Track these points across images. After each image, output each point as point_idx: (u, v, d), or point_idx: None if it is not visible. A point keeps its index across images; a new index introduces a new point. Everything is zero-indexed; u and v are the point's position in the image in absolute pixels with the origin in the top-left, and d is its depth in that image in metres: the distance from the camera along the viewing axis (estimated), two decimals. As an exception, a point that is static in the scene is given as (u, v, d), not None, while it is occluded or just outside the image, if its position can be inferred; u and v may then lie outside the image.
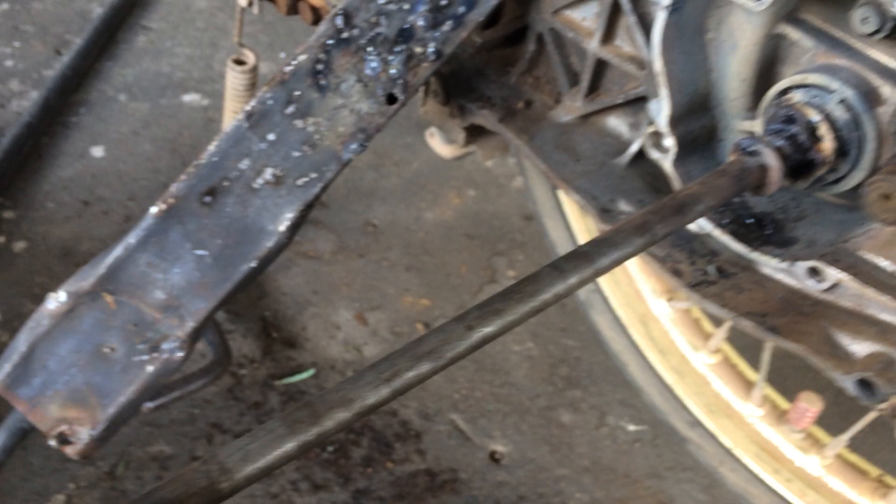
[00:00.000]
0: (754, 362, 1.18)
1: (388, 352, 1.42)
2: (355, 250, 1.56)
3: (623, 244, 0.71)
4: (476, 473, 1.27)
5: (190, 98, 1.82)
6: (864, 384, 0.74)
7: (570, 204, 1.23)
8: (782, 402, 1.15)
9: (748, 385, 1.16)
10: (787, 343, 0.78)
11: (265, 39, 1.96)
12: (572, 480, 1.27)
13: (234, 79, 1.27)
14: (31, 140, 1.66)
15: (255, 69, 1.27)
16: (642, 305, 1.21)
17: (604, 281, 1.23)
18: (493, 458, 1.29)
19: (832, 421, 1.15)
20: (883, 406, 0.74)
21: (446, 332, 0.66)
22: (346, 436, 1.29)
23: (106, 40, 1.90)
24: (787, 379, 1.20)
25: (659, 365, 1.21)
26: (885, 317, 0.76)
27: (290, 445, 0.61)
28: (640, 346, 1.22)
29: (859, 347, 0.77)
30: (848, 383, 0.74)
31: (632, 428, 1.34)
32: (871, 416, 1.05)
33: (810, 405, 1.08)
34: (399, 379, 0.64)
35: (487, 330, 0.67)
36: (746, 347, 1.23)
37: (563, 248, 1.29)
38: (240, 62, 1.26)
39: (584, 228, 1.24)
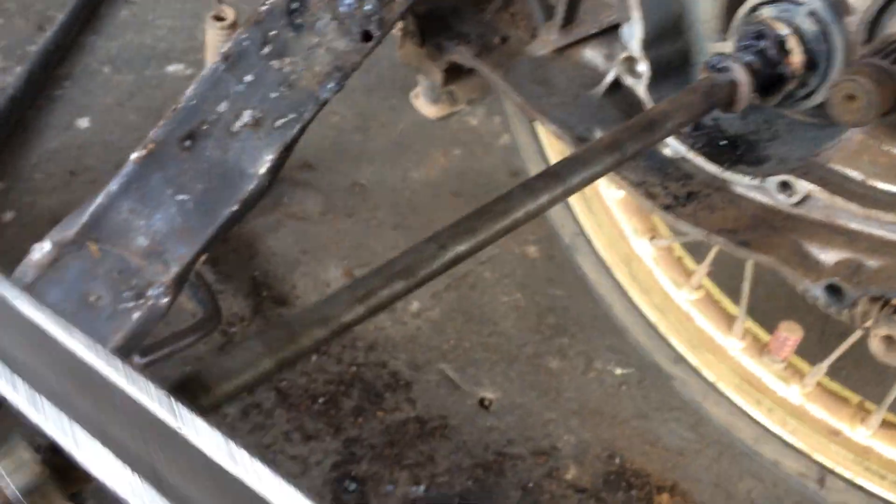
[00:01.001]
0: (735, 297, 1.20)
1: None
2: (343, 210, 1.57)
3: (593, 162, 0.72)
4: (465, 420, 1.28)
5: (174, 68, 1.83)
6: (833, 290, 0.75)
7: (553, 148, 1.24)
8: (763, 335, 1.17)
9: (729, 319, 1.18)
10: (758, 255, 0.79)
11: (245, 8, 1.96)
12: (560, 423, 1.29)
13: (214, 36, 1.28)
14: (16, 113, 1.66)
15: (234, 25, 1.28)
16: (625, 246, 1.22)
17: (587, 223, 1.24)
18: (482, 404, 1.31)
19: (812, 351, 1.16)
20: (851, 312, 0.76)
21: (419, 251, 0.67)
22: (337, 387, 1.31)
23: (88, 14, 1.90)
24: (768, 312, 1.21)
25: (643, 304, 1.22)
26: (854, 225, 0.78)
27: (267, 363, 0.62)
28: (623, 286, 1.23)
29: (828, 256, 0.78)
30: (817, 290, 0.76)
31: (619, 372, 1.36)
32: (849, 343, 1.06)
33: (790, 334, 1.09)
34: (373, 297, 0.65)
35: (460, 248, 0.68)
36: (727, 283, 1.24)
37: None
38: (219, 18, 1.27)
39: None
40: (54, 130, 1.67)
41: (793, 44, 0.78)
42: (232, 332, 1.38)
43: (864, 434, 1.07)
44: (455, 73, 1.07)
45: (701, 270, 1.18)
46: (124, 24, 1.90)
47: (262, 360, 0.59)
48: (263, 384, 1.25)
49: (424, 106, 1.75)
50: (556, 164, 0.69)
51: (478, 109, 1.78)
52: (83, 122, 1.70)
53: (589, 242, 1.25)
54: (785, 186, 0.81)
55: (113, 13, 1.94)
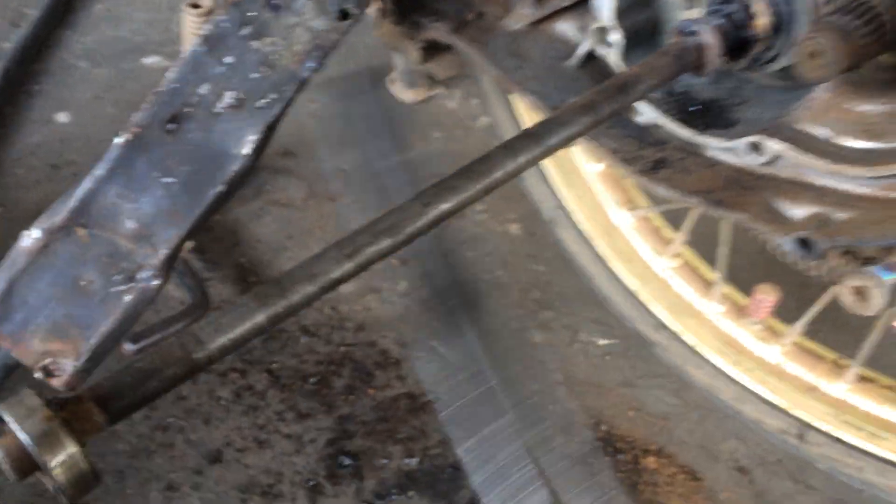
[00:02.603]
0: (714, 264, 1.23)
1: (363, 288, 1.46)
2: (326, 196, 1.59)
3: (570, 123, 0.74)
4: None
5: (151, 61, 1.83)
6: (803, 243, 0.78)
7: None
8: (741, 299, 1.20)
9: (708, 284, 1.21)
10: (732, 213, 0.82)
11: None
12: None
13: (190, 23, 1.29)
14: (-7, 110, 1.66)
15: (210, 12, 1.29)
16: (605, 217, 1.25)
17: (567, 197, 1.27)
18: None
19: (791, 315, 1.20)
20: (823, 266, 0.79)
21: (404, 210, 0.69)
22: (327, 367, 1.33)
23: (63, 10, 1.90)
24: (747, 279, 1.25)
25: (624, 273, 1.25)
26: (822, 181, 0.81)
27: (259, 318, 0.64)
28: (604, 258, 1.26)
29: (798, 211, 0.81)
30: (787, 243, 0.79)
31: (603, 342, 1.39)
32: (824, 300, 1.10)
33: (767, 296, 1.12)
34: (360, 254, 0.67)
35: (444, 206, 0.70)
36: (705, 251, 1.28)
37: (531, 177, 1.32)
38: (195, 6, 1.28)
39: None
40: (34, 125, 1.67)
41: (759, 7, 0.81)
42: (229, 303, 1.39)
43: (840, 389, 1.10)
44: (432, 51, 1.09)
45: (679, 238, 1.21)
46: (99, 17, 1.90)
47: (254, 314, 0.61)
48: (256, 338, 1.27)
49: (401, 90, 1.77)
50: (533, 126, 0.72)
51: (455, 93, 1.80)
52: (62, 117, 1.70)
53: (569, 216, 1.28)
54: (755, 147, 0.84)
55: (87, 7, 1.93)
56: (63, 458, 0.55)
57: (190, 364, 0.61)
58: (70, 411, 0.58)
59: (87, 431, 0.58)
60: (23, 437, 0.55)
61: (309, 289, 0.65)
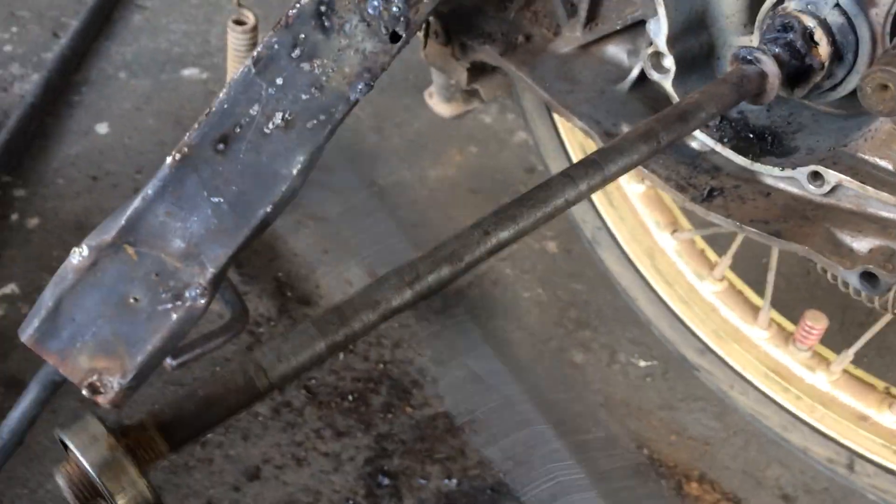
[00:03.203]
0: (757, 289, 1.21)
1: (400, 304, 1.46)
2: (362, 210, 1.59)
3: (629, 151, 0.74)
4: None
5: (189, 72, 1.84)
6: (868, 276, 0.77)
7: (574, 144, 1.26)
8: (788, 324, 1.18)
9: (754, 309, 1.19)
10: (792, 245, 0.81)
11: (259, 13, 1.97)
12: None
13: (234, 39, 1.29)
14: (35, 120, 1.68)
15: (255, 29, 1.29)
16: (648, 239, 1.24)
17: (609, 217, 1.26)
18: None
19: (833, 340, 1.18)
20: (883, 299, 0.77)
21: (464, 238, 0.69)
22: (365, 385, 1.32)
23: (102, 20, 1.92)
24: (792, 301, 1.23)
25: (666, 296, 1.23)
26: (886, 213, 0.79)
27: (320, 346, 0.64)
28: (647, 279, 1.25)
29: (861, 244, 0.79)
30: (852, 277, 0.77)
31: (643, 364, 1.37)
32: (874, 330, 1.08)
33: (815, 323, 1.11)
34: (421, 282, 0.67)
35: (503, 235, 0.70)
36: (749, 275, 1.26)
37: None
38: (240, 22, 1.28)
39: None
40: (74, 136, 1.68)
41: (819, 35, 0.80)
42: (259, 332, 1.40)
43: (891, 419, 1.08)
44: (478, 71, 1.09)
45: (724, 262, 1.19)
46: (138, 29, 1.92)
47: (314, 343, 0.61)
48: (317, 366, 1.27)
49: (438, 105, 1.76)
50: (593, 154, 0.71)
51: (491, 107, 1.80)
52: (102, 128, 1.71)
53: (611, 236, 1.26)
54: (815, 176, 0.82)
55: (126, 18, 1.95)
56: (127, 486, 0.55)
57: (252, 392, 0.61)
58: (133, 438, 0.58)
59: (149, 460, 0.58)
60: (86, 465, 0.55)
61: (369, 317, 0.65)
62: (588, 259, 1.38)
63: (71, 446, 0.56)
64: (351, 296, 0.65)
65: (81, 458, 0.55)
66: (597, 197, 1.26)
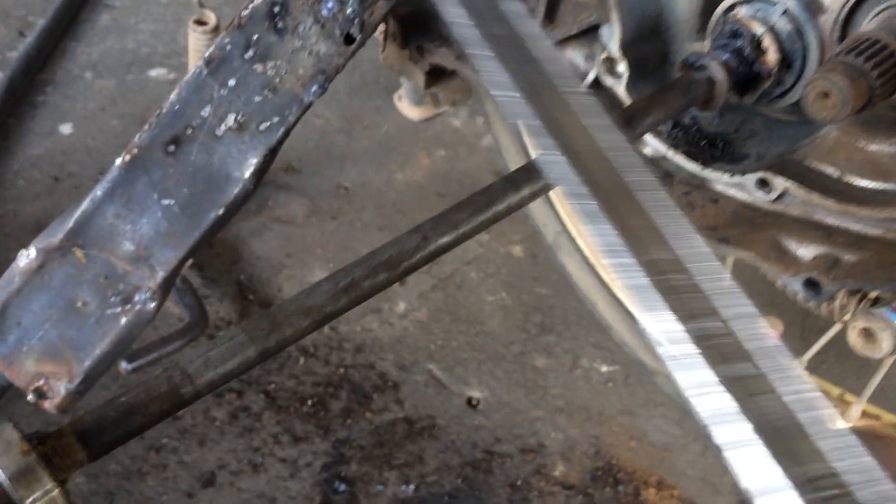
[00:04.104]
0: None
1: (363, 308, 1.44)
2: (328, 213, 1.58)
3: (575, 157, 0.73)
4: (453, 419, 1.29)
5: (156, 73, 1.82)
6: (811, 284, 0.77)
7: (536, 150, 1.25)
8: (747, 330, 1.18)
9: (713, 315, 1.19)
10: (738, 251, 0.81)
11: (229, 12, 1.96)
12: (547, 421, 1.30)
13: (196, 40, 1.28)
14: (-3, 120, 1.66)
15: (216, 29, 1.28)
16: (608, 244, 1.23)
17: (570, 221, 1.26)
18: (470, 404, 1.32)
19: (793, 346, 1.18)
20: (830, 306, 0.77)
21: (401, 243, 0.68)
22: (325, 389, 1.31)
23: (69, 20, 1.89)
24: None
25: (627, 301, 1.23)
26: (831, 220, 0.79)
27: (250, 352, 0.63)
28: (607, 284, 1.24)
29: (806, 251, 0.79)
30: (795, 284, 0.77)
31: (605, 369, 1.37)
32: (828, 336, 1.08)
33: (771, 328, 1.11)
34: (356, 288, 0.66)
35: (443, 240, 0.69)
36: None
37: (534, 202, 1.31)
38: (201, 22, 1.27)
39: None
40: (37, 137, 1.66)
41: (768, 42, 0.80)
42: (219, 335, 1.38)
43: (845, 426, 1.08)
44: (437, 75, 1.08)
45: (683, 267, 1.19)
46: (105, 29, 1.90)
47: (244, 349, 0.60)
48: (246, 373, 1.25)
49: (408, 108, 1.76)
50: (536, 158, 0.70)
51: (461, 111, 1.79)
52: (66, 128, 1.69)
53: (572, 240, 1.26)
54: (763, 183, 0.82)
55: (93, 18, 1.93)
56: (39, 495, 0.54)
57: (177, 399, 0.60)
58: (50, 446, 0.57)
59: (66, 467, 0.57)
60: (-2, 472, 0.53)
61: (302, 322, 0.64)
62: (553, 264, 1.38)
63: (-16, 453, 0.54)
64: (283, 301, 0.64)
65: (-6, 466, 0.53)
66: (557, 201, 1.26)
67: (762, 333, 0.47)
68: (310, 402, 1.29)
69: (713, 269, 0.49)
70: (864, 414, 1.09)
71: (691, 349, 0.45)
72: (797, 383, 0.45)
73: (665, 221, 0.51)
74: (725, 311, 0.48)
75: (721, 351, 0.45)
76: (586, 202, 0.51)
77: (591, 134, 0.53)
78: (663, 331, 0.46)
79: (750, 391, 0.43)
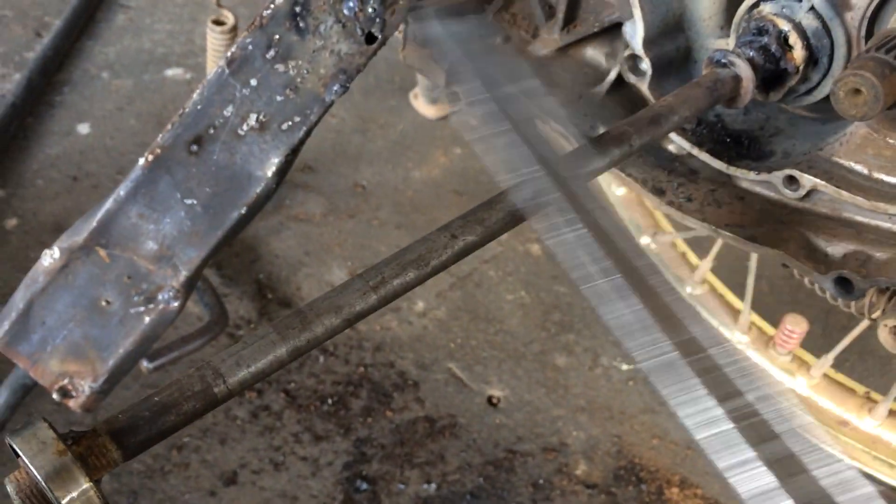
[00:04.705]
0: (739, 292, 1.21)
1: (383, 308, 1.44)
2: (345, 211, 1.58)
3: (602, 154, 0.73)
4: (474, 418, 1.29)
5: (173, 72, 1.83)
6: (842, 281, 0.76)
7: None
8: (768, 328, 1.18)
9: (735, 313, 1.18)
10: (767, 249, 0.80)
11: (244, 13, 1.96)
12: (569, 420, 1.30)
13: (214, 40, 1.28)
14: (16, 120, 1.66)
15: (234, 29, 1.28)
16: (629, 242, 1.23)
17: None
18: (491, 402, 1.32)
19: (816, 344, 1.17)
20: (859, 303, 0.76)
21: (431, 241, 0.67)
22: (345, 388, 1.31)
23: (85, 20, 1.90)
24: (771, 305, 1.22)
25: (648, 299, 1.22)
26: (860, 218, 0.78)
27: (281, 351, 0.62)
28: (628, 283, 1.24)
29: (836, 249, 0.79)
30: (826, 282, 0.76)
31: (625, 367, 1.37)
32: (854, 334, 1.07)
33: (795, 327, 1.10)
34: (385, 287, 0.66)
35: (471, 238, 0.68)
36: (731, 278, 1.25)
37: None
38: (219, 23, 1.27)
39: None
40: (55, 136, 1.67)
41: (794, 39, 0.79)
42: (239, 335, 1.38)
43: (871, 424, 1.08)
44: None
45: (705, 265, 1.18)
46: (122, 29, 1.90)
47: (275, 347, 0.60)
48: (277, 372, 1.26)
49: (423, 106, 1.76)
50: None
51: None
52: (83, 128, 1.70)
53: (593, 239, 1.25)
54: (791, 181, 0.82)
55: (110, 18, 1.94)
56: (75, 495, 0.54)
57: (209, 398, 0.60)
58: (85, 446, 0.57)
59: (101, 467, 0.57)
60: (34, 472, 0.53)
61: (332, 321, 0.64)
62: (571, 262, 1.37)
63: (20, 452, 0.54)
64: (314, 300, 0.64)
65: (30, 465, 0.54)
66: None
67: (789, 412, 0.47)
68: (330, 401, 1.29)
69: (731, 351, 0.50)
70: (892, 412, 1.08)
71: (730, 429, 0.45)
72: (832, 462, 0.45)
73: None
74: (751, 393, 0.49)
75: (756, 431, 0.45)
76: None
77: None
78: (699, 410, 0.46)
79: (789, 471, 0.43)
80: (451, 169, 1.67)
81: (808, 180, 0.80)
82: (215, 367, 0.61)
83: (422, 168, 1.67)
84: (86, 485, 0.52)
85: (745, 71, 0.78)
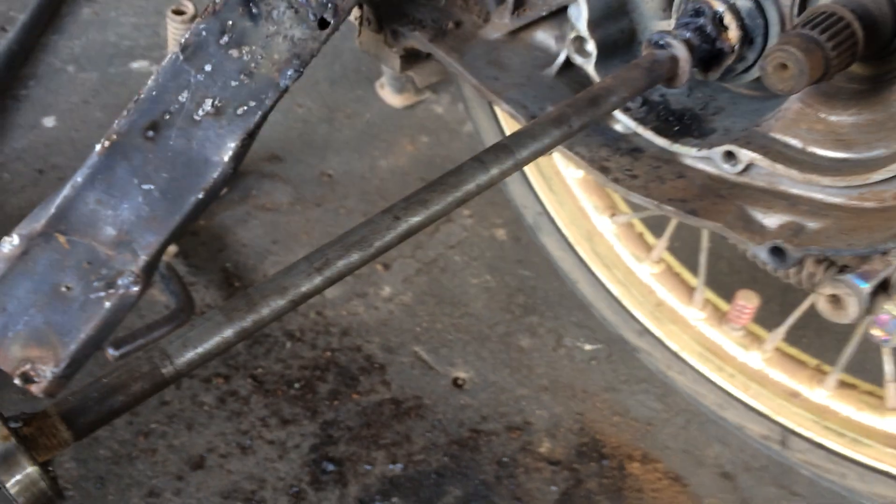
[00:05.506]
0: (695, 270, 1.23)
1: (348, 292, 1.46)
2: (312, 200, 1.59)
3: (541, 136, 0.75)
4: (440, 399, 1.31)
5: (138, 65, 1.83)
6: (776, 251, 0.79)
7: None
8: (722, 304, 1.21)
9: (690, 290, 1.21)
10: (705, 222, 0.83)
11: (205, 2, 1.96)
12: (532, 399, 1.32)
13: (175, 30, 1.29)
14: (-19, 114, 1.66)
15: (194, 18, 1.29)
16: (587, 223, 1.25)
17: (549, 202, 1.27)
18: (456, 384, 1.34)
19: (775, 321, 1.20)
20: (799, 274, 0.79)
21: (374, 223, 0.69)
22: (312, 372, 1.33)
23: (50, 14, 1.90)
24: (733, 283, 1.25)
25: (606, 279, 1.25)
26: (795, 190, 0.81)
27: (228, 332, 0.64)
28: (587, 263, 1.26)
29: (771, 220, 0.81)
30: (762, 252, 0.79)
31: (588, 347, 1.39)
32: (804, 307, 1.10)
33: (747, 302, 1.13)
34: (330, 268, 0.67)
35: (414, 220, 0.70)
36: (687, 257, 1.28)
37: (514, 183, 1.33)
38: (179, 12, 1.28)
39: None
40: (20, 130, 1.67)
41: (729, 19, 0.81)
42: (197, 317, 1.39)
43: (822, 395, 1.11)
44: (412, 58, 1.10)
45: (661, 244, 1.21)
46: (87, 22, 1.90)
47: (222, 329, 0.61)
48: (224, 353, 1.27)
49: (390, 95, 1.77)
50: (505, 139, 0.72)
51: (443, 98, 1.81)
52: (49, 121, 1.70)
53: (551, 221, 1.28)
54: (729, 156, 0.84)
55: (75, 12, 1.94)
56: (19, 477, 0.55)
57: (157, 378, 0.61)
58: (35, 427, 0.58)
59: (52, 447, 0.58)
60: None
61: (278, 303, 0.66)
62: (536, 246, 1.40)
63: (-35, 436, 0.56)
64: (260, 282, 0.66)
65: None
66: (537, 182, 1.28)
67: None
68: (297, 386, 1.31)
69: None
70: (841, 383, 1.11)
71: None
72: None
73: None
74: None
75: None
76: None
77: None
78: None
79: None
80: (418, 157, 1.69)
81: (745, 155, 0.83)
82: (163, 349, 0.63)
83: (388, 157, 1.69)
84: (30, 468, 0.53)
85: (681, 52, 0.80)
